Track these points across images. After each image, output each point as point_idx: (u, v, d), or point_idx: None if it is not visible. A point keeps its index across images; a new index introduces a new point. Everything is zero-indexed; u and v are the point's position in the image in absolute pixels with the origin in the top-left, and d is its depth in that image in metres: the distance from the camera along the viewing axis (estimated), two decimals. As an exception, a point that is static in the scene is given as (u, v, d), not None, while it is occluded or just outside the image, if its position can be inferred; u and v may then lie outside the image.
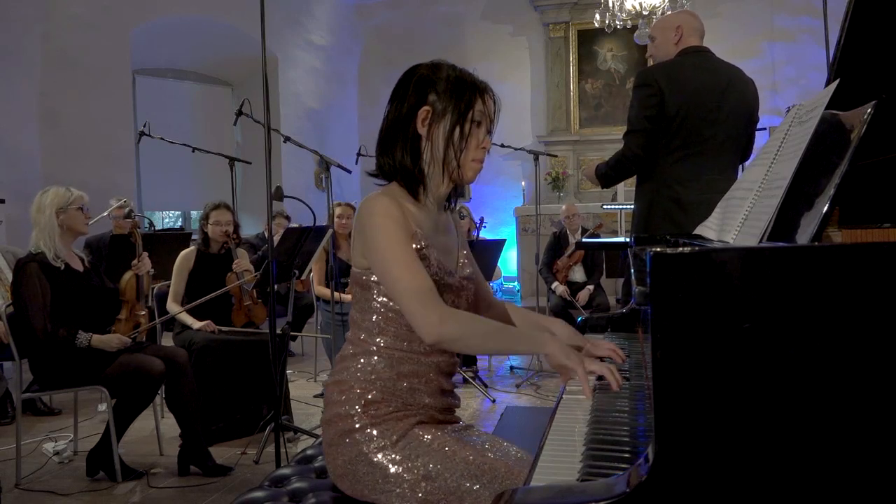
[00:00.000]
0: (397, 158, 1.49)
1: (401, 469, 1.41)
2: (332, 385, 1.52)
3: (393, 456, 1.42)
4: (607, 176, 3.12)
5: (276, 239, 3.95)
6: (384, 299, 1.47)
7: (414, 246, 1.44)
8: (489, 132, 1.53)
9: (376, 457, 1.42)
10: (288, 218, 6.28)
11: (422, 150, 1.49)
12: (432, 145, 1.48)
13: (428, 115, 1.48)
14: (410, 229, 1.45)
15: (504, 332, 1.46)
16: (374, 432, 1.44)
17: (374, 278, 1.47)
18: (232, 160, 4.53)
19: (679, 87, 2.88)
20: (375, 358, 1.48)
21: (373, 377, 1.47)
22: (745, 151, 3.04)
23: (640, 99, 2.95)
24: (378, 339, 1.48)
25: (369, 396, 1.46)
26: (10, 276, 3.69)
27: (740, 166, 3.06)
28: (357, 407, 1.46)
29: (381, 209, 1.44)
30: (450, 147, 1.47)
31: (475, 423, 3.73)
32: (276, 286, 3.22)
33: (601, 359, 1.48)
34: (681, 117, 2.87)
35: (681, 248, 0.87)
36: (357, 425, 1.45)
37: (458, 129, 1.47)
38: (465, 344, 1.45)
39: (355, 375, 1.48)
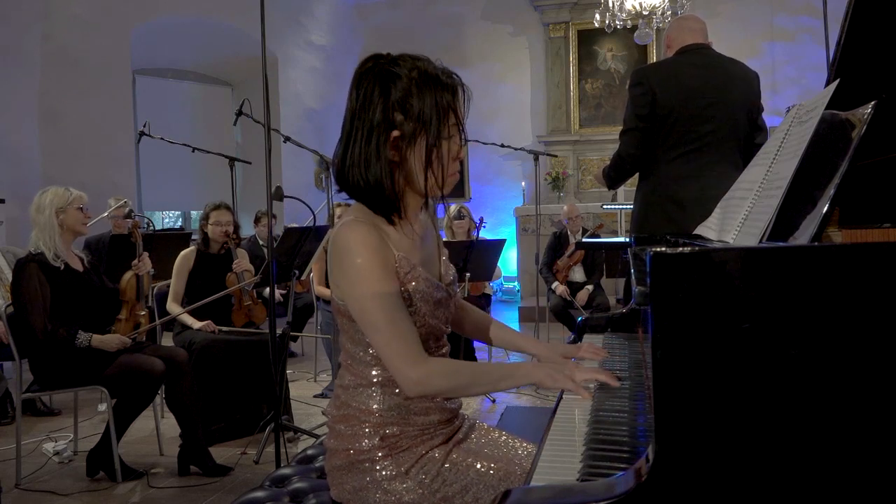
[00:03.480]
0: (372, 178, 1.37)
1: (416, 496, 1.38)
2: (339, 418, 1.45)
3: (408, 483, 1.38)
4: (609, 177, 3.14)
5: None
6: None
7: (398, 268, 1.37)
8: (462, 132, 1.42)
9: (390, 484, 1.39)
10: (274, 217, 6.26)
11: (395, 175, 1.38)
12: (407, 169, 1.38)
13: (398, 140, 1.36)
14: (392, 258, 1.37)
15: (487, 374, 1.44)
16: (389, 462, 1.39)
17: None
18: (232, 160, 4.53)
19: (671, 85, 2.89)
20: (378, 389, 1.42)
21: (385, 408, 1.41)
22: (750, 142, 3.01)
23: (633, 98, 2.96)
24: (375, 370, 1.42)
25: (387, 431, 1.41)
26: (10, 276, 3.69)
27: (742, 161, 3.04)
28: (376, 440, 1.40)
29: (358, 242, 1.34)
30: (430, 173, 1.37)
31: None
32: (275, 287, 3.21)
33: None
34: (674, 116, 2.87)
35: (681, 248, 0.87)
36: (372, 456, 1.40)
37: (434, 153, 1.36)
38: (448, 395, 1.44)
39: (365, 409, 1.42)
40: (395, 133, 1.36)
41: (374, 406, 1.42)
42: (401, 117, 1.35)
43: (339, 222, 1.42)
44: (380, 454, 1.40)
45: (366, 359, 1.43)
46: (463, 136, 1.43)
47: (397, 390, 1.42)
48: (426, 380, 1.34)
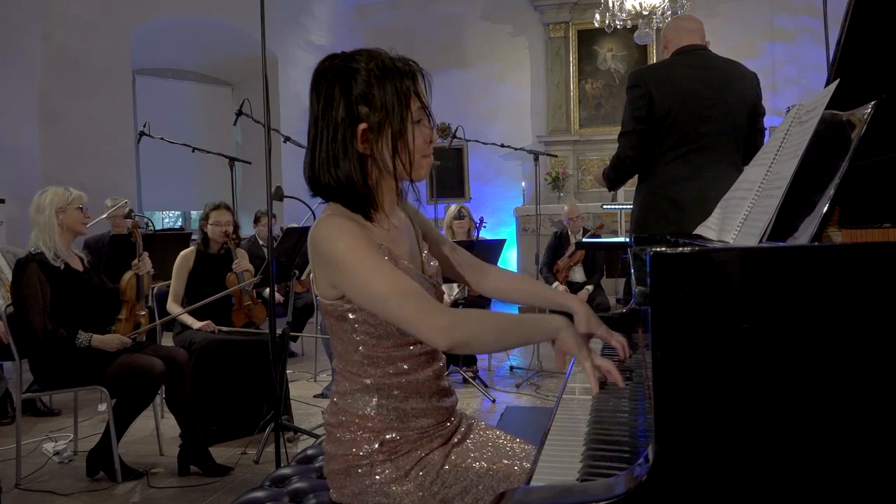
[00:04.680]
0: (342, 175, 1.36)
1: (415, 499, 1.37)
2: (336, 424, 1.44)
3: (407, 486, 1.38)
4: (609, 178, 3.14)
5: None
6: (364, 336, 1.39)
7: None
8: (429, 117, 1.41)
9: (390, 487, 1.38)
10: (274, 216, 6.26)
11: (368, 168, 1.37)
12: (378, 161, 1.37)
13: (366, 133, 1.35)
14: (375, 243, 1.36)
15: (517, 325, 1.32)
16: (388, 465, 1.39)
17: (349, 311, 1.37)
18: (232, 160, 4.53)
19: (669, 86, 2.89)
20: (374, 393, 1.41)
21: (383, 412, 1.40)
22: (750, 145, 3.01)
23: (631, 100, 2.96)
24: (369, 371, 1.41)
25: (386, 436, 1.40)
26: (10, 276, 3.69)
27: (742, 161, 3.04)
28: (375, 445, 1.39)
29: (338, 231, 1.33)
30: (398, 159, 1.36)
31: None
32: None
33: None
34: (672, 116, 2.87)
35: (681, 248, 0.87)
36: (371, 461, 1.39)
37: (401, 140, 1.35)
38: (479, 343, 1.31)
39: (362, 414, 1.41)
40: (363, 126, 1.35)
41: (371, 411, 1.41)
42: (366, 109, 1.34)
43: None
44: (379, 458, 1.39)
45: (357, 359, 1.42)
46: (432, 120, 1.41)
47: (395, 392, 1.41)
48: (457, 322, 1.25)
